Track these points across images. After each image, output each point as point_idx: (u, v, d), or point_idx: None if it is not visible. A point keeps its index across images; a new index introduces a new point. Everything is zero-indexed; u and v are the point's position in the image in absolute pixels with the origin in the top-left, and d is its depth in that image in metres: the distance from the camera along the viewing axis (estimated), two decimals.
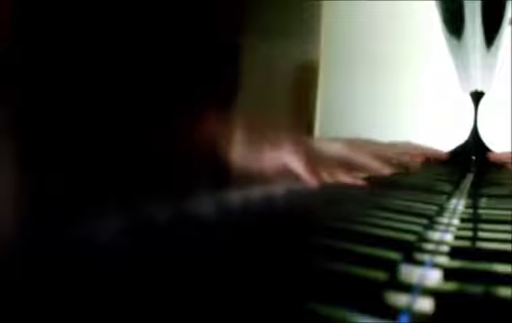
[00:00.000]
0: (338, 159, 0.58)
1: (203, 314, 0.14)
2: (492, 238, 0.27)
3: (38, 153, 0.28)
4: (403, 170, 0.65)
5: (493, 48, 0.96)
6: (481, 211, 0.41)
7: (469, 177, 0.81)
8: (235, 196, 0.33)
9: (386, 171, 0.63)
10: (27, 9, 0.21)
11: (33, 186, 0.27)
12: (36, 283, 0.14)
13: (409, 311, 0.17)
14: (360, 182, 0.59)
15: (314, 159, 0.58)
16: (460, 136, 1.05)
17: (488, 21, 0.92)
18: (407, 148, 0.66)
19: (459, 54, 0.99)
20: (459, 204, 0.45)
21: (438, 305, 0.17)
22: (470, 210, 0.41)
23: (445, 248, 0.26)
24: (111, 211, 0.20)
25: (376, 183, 0.61)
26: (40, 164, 0.28)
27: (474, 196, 0.53)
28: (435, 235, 0.29)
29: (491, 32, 0.95)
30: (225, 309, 0.15)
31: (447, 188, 0.57)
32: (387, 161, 0.64)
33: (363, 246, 0.22)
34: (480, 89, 1.04)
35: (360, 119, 1.16)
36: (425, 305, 0.17)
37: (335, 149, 0.60)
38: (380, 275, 0.18)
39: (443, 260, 0.24)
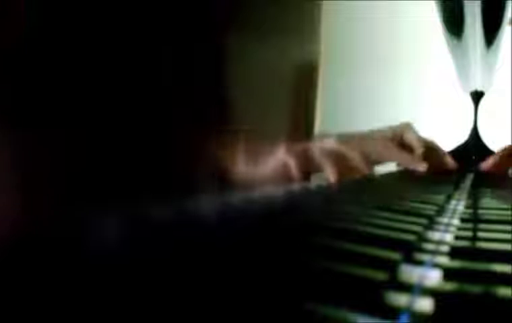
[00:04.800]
0: (334, 157, 0.58)
1: (203, 314, 0.14)
2: (492, 238, 0.27)
3: (39, 153, 0.28)
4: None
5: (493, 48, 0.96)
6: (481, 211, 0.41)
7: (469, 177, 0.81)
8: (235, 196, 0.33)
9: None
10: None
11: (33, 186, 0.27)
12: (35, 283, 0.14)
13: (409, 311, 0.17)
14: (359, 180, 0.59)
15: (312, 158, 0.58)
16: (460, 136, 1.05)
17: (488, 21, 0.92)
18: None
19: (459, 54, 0.99)
20: (459, 204, 0.45)
21: (438, 305, 0.17)
22: (470, 210, 0.41)
23: (445, 248, 0.26)
24: (111, 211, 0.20)
25: (375, 182, 0.61)
26: (40, 164, 0.28)
27: (474, 196, 0.53)
28: (435, 235, 0.29)
29: (491, 32, 0.95)
30: (224, 309, 0.15)
31: (447, 188, 0.57)
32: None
33: (363, 246, 0.22)
34: (480, 89, 1.04)
35: (359, 119, 1.16)
36: (425, 305, 0.17)
37: (330, 147, 0.60)
38: (380, 275, 0.18)
39: (443, 260, 0.24)
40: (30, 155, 0.30)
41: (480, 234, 0.30)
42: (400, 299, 0.18)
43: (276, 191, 0.41)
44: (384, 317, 0.16)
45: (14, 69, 0.28)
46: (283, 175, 0.57)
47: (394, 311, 0.17)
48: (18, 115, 0.30)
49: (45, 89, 0.31)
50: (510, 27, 1.01)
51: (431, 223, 0.33)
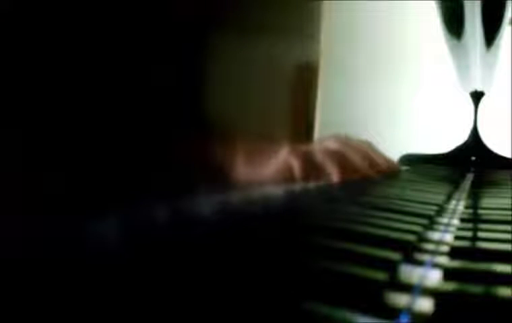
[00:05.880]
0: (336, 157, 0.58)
1: (202, 314, 0.14)
2: (492, 238, 0.27)
3: (38, 153, 0.28)
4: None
5: (493, 48, 0.96)
6: (481, 211, 0.41)
7: (469, 177, 0.81)
8: (235, 196, 0.33)
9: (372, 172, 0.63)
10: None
11: (33, 186, 0.27)
12: (36, 283, 0.14)
13: (409, 311, 0.17)
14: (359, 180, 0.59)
15: (312, 159, 0.58)
16: (460, 136, 1.05)
17: (488, 21, 0.92)
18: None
19: (459, 54, 0.99)
20: (459, 204, 0.45)
21: (438, 305, 0.17)
22: (470, 210, 0.41)
23: (445, 248, 0.26)
24: (111, 211, 0.20)
25: (374, 182, 0.61)
26: (40, 164, 0.28)
27: (474, 196, 0.53)
28: (435, 235, 0.29)
29: (491, 32, 0.95)
30: (224, 309, 0.15)
31: (447, 188, 0.57)
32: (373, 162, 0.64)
33: (363, 246, 0.22)
34: (480, 89, 1.04)
35: (359, 119, 1.16)
36: (425, 305, 0.17)
37: (332, 148, 0.60)
38: (380, 275, 0.18)
39: (443, 260, 0.24)
40: (28, 153, 0.30)
41: (480, 234, 0.30)
42: (400, 299, 0.18)
43: (277, 191, 0.41)
44: (384, 317, 0.16)
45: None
46: (285, 176, 0.57)
47: (394, 311, 0.17)
48: (15, 113, 0.30)
49: (43, 88, 0.31)
50: (510, 27, 1.01)
51: (431, 223, 0.33)
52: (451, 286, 0.18)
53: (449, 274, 0.20)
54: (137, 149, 0.42)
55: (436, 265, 0.23)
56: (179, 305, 0.15)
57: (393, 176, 0.71)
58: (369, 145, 0.69)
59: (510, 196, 0.49)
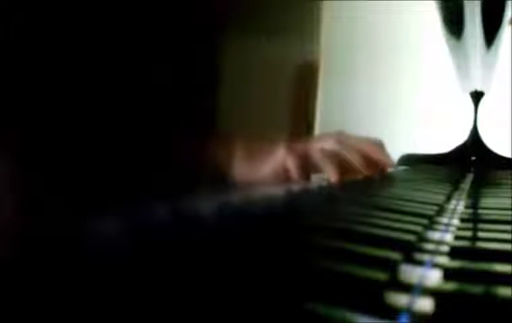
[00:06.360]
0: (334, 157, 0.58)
1: (203, 314, 0.14)
2: (492, 238, 0.27)
3: (38, 153, 0.28)
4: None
5: (493, 48, 0.96)
6: (481, 211, 0.41)
7: (469, 177, 0.81)
8: (234, 196, 0.33)
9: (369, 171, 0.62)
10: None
11: (33, 186, 0.27)
12: (35, 282, 0.14)
13: (409, 311, 0.17)
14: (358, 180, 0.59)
15: (309, 159, 0.58)
16: (460, 136, 1.05)
17: (488, 21, 0.92)
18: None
19: (459, 54, 0.99)
20: (459, 204, 0.45)
21: (438, 305, 0.17)
22: (470, 210, 0.41)
23: (445, 248, 0.26)
24: (111, 212, 0.20)
25: (374, 182, 0.61)
26: (39, 164, 0.28)
27: (474, 196, 0.53)
28: (435, 235, 0.29)
29: (491, 32, 0.95)
30: (225, 309, 0.15)
31: (447, 188, 0.57)
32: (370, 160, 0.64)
33: (363, 246, 0.22)
34: (480, 89, 1.04)
35: (359, 119, 1.16)
36: (425, 305, 0.17)
37: (329, 147, 0.60)
38: (380, 275, 0.18)
39: (443, 260, 0.24)
40: (29, 154, 0.30)
41: (480, 234, 0.30)
42: (400, 299, 0.18)
43: (276, 191, 0.41)
44: (384, 317, 0.16)
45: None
46: (284, 176, 0.57)
47: (394, 311, 0.17)
48: (17, 115, 0.30)
49: (45, 89, 0.31)
50: (510, 27, 1.01)
51: (431, 223, 0.33)
52: (451, 286, 0.18)
53: (449, 274, 0.20)
54: (138, 150, 0.42)
55: (436, 265, 0.23)
56: (179, 306, 0.15)
57: (389, 176, 0.70)
58: (379, 143, 0.67)
59: (510, 196, 0.49)
